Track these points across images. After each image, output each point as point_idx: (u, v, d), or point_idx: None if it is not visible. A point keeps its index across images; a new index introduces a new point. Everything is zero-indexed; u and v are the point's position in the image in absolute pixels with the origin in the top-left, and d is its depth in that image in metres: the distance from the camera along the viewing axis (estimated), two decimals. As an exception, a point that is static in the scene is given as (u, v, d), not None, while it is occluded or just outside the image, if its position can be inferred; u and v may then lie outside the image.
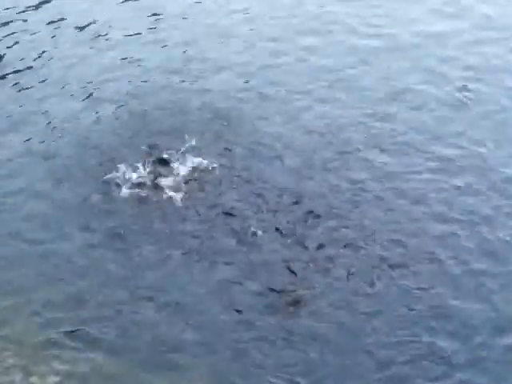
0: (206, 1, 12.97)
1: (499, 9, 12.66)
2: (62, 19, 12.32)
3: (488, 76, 10.95)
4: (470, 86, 10.72)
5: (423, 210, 8.76)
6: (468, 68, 11.10)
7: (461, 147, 9.66)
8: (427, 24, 12.21)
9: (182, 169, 9.13)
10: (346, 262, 8.09)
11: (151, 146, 9.43)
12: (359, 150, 9.59)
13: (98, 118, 10.14)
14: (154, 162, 9.13)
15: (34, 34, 11.97)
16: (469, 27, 12.09)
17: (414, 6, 12.78)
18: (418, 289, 7.86)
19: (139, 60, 11.37)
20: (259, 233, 8.36)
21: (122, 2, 12.92)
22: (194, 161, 9.19)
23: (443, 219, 8.64)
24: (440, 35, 11.87)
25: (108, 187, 8.98)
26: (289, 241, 8.31)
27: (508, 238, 8.39)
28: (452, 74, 10.96)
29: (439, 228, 8.53)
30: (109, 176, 9.05)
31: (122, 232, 8.44)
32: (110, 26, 12.18)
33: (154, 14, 12.43)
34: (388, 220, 8.61)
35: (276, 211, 8.68)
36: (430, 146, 9.68)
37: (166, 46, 11.71)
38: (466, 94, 10.57)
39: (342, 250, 8.23)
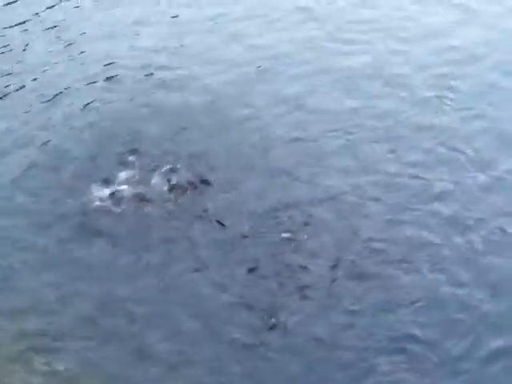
0: (182, 11, 12.68)
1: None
2: (34, 23, 12.16)
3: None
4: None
5: (401, 219, 8.64)
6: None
7: (440, 153, 9.56)
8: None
9: (161, 179, 8.96)
10: (323, 274, 7.98)
11: (129, 156, 9.27)
12: (337, 158, 9.48)
13: (72, 127, 9.94)
14: (131, 173, 8.99)
15: (3, 36, 11.82)
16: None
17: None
18: (395, 300, 7.76)
19: (115, 67, 11.18)
20: (238, 244, 8.24)
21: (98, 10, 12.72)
22: (173, 170, 9.05)
23: (420, 227, 8.53)
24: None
25: (84, 199, 8.80)
26: (269, 253, 8.18)
27: (483, 246, 8.31)
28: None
29: (416, 236, 8.42)
30: (84, 188, 8.86)
31: (99, 244, 8.31)
32: (84, 33, 11.99)
33: (135, 22, 12.26)
34: (366, 230, 8.48)
35: (255, 222, 8.54)
36: (407, 153, 9.56)
37: (142, 51, 11.52)
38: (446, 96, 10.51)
39: (319, 261, 8.12)
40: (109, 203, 8.74)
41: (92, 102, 10.41)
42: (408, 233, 8.44)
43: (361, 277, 7.96)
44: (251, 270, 8.02)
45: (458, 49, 11.44)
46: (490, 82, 10.76)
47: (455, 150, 9.55)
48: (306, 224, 8.51)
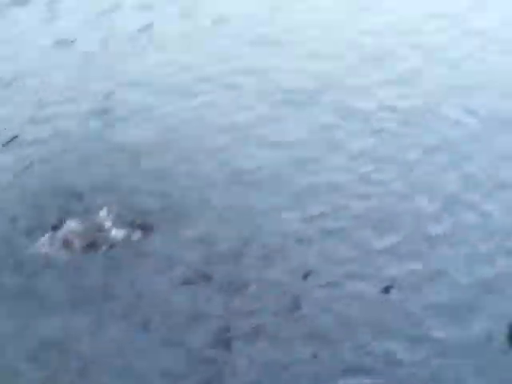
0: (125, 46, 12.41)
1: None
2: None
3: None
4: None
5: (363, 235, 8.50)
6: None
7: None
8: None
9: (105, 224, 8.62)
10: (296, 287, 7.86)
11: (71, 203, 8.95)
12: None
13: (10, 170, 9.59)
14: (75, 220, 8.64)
15: None
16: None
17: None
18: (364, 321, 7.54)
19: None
20: (186, 289, 7.93)
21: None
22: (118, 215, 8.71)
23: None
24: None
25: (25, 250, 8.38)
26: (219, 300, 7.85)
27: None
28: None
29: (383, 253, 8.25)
30: (25, 238, 8.48)
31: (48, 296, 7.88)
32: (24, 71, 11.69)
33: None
34: (338, 251, 8.30)
35: (208, 262, 8.26)
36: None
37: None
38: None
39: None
40: (52, 252, 8.35)
41: (31, 150, 9.91)
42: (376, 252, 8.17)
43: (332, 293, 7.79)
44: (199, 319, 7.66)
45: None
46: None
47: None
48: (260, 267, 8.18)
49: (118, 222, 8.63)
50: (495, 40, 12.04)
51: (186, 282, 8.01)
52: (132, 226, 8.59)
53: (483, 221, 8.67)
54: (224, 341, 7.44)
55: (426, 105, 10.65)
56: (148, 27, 12.39)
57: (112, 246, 8.41)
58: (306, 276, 8.06)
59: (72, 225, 8.56)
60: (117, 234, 8.51)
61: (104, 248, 8.38)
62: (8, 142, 10.03)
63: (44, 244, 8.36)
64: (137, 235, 8.50)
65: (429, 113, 10.49)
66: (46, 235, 8.43)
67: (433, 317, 7.55)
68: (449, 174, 9.41)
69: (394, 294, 7.85)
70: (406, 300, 7.76)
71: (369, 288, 7.91)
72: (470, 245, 8.38)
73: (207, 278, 8.04)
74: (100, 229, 8.55)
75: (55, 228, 8.53)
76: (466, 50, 11.83)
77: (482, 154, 9.69)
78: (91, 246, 8.39)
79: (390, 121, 10.30)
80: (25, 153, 9.84)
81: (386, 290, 7.89)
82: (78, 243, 8.39)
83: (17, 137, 10.11)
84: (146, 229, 8.55)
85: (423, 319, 7.54)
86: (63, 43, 12.21)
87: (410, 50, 11.82)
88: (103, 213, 8.68)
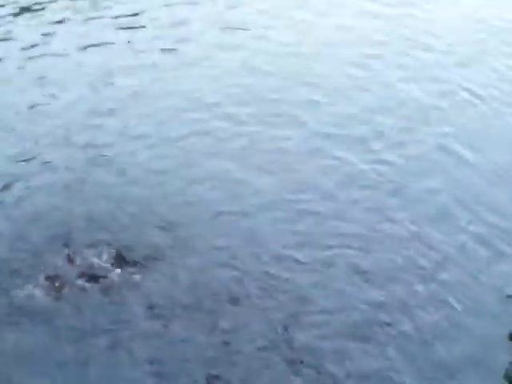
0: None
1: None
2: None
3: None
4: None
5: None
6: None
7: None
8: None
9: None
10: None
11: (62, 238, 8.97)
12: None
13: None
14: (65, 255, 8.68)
15: None
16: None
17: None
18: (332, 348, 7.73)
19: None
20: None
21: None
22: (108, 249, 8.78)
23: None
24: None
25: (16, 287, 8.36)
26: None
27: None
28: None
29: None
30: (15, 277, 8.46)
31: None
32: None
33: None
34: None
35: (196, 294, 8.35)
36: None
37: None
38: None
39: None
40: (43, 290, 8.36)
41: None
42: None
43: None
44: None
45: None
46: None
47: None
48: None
49: (112, 259, 8.65)
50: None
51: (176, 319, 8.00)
52: (126, 264, 8.63)
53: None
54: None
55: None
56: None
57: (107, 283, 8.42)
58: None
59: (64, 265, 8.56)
60: (112, 271, 8.54)
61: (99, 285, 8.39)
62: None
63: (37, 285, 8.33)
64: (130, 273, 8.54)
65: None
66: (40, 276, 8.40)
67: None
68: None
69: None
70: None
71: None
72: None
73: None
74: (95, 266, 8.56)
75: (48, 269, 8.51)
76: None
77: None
78: (86, 284, 8.40)
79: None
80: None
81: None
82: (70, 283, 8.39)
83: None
84: (137, 266, 8.59)
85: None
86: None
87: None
88: (97, 250, 8.70)
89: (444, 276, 8.64)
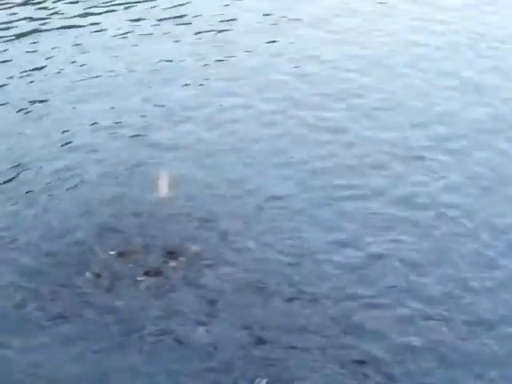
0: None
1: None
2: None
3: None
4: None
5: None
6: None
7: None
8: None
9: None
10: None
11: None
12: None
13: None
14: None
15: None
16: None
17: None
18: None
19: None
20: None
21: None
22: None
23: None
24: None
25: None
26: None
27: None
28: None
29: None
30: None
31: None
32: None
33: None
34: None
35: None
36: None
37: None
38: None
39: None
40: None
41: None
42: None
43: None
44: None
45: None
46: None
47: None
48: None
49: (163, 254, 8.63)
50: None
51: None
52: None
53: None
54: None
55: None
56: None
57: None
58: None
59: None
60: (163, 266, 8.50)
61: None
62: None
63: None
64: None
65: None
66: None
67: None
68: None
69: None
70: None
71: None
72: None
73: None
74: (145, 261, 8.53)
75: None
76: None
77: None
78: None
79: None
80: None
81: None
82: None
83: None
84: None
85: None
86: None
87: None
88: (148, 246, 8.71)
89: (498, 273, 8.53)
